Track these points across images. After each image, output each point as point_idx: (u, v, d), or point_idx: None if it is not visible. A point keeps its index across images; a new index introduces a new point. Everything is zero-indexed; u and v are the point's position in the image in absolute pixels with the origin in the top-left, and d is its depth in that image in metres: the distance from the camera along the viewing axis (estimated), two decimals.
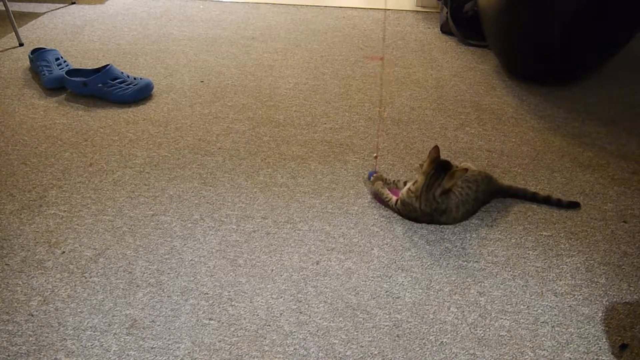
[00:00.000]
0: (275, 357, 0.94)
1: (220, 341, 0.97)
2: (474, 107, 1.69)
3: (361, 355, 0.94)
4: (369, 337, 0.97)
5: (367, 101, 1.73)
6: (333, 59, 2.02)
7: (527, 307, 1.03)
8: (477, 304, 1.04)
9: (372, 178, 1.34)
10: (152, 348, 0.95)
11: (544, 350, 0.95)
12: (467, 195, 1.22)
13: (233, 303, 1.04)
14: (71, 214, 1.26)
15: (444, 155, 1.44)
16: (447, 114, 1.66)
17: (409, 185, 1.23)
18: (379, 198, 1.30)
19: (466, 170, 1.18)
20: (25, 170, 1.41)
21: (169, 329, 0.99)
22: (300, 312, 1.02)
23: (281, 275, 1.10)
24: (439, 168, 1.17)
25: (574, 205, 1.27)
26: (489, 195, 1.28)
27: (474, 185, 1.24)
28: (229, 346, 0.96)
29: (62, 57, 1.87)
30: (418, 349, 0.95)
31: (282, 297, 1.05)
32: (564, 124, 1.61)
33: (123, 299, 1.05)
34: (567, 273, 1.10)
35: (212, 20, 2.37)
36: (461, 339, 0.97)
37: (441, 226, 1.22)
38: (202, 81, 1.85)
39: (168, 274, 1.10)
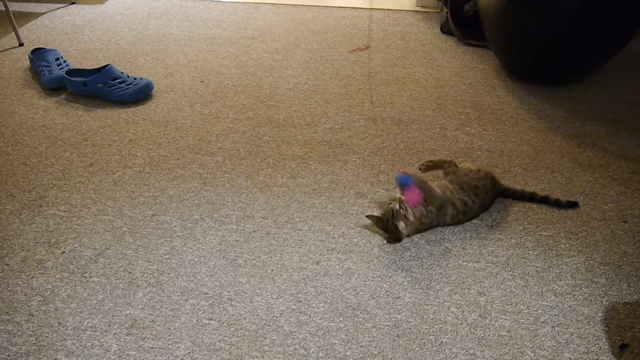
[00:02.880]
0: (275, 357, 0.94)
1: (220, 341, 0.97)
2: (474, 107, 1.69)
3: (361, 355, 0.94)
4: (369, 337, 0.97)
5: (367, 101, 1.73)
6: (333, 59, 2.02)
7: (527, 307, 1.03)
8: (477, 304, 1.04)
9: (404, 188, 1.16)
10: (152, 348, 0.95)
11: (544, 350, 0.95)
12: (473, 203, 1.20)
13: (233, 303, 1.04)
14: (71, 214, 1.26)
15: (443, 155, 1.45)
16: (447, 114, 1.66)
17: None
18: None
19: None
20: (25, 170, 1.41)
21: (169, 329, 0.99)
22: (300, 312, 1.02)
23: (281, 275, 1.10)
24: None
25: (572, 205, 1.27)
26: (493, 200, 1.28)
27: (482, 193, 1.22)
28: (229, 346, 0.96)
29: (62, 57, 1.87)
30: (418, 349, 0.95)
31: (282, 297, 1.05)
32: (564, 124, 1.61)
33: (123, 299, 1.05)
34: (567, 273, 1.10)
35: (212, 20, 2.37)
36: (461, 339, 0.97)
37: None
38: (202, 81, 1.85)
39: (168, 274, 1.10)
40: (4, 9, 2.07)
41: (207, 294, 1.06)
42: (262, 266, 1.12)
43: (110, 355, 0.94)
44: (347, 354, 0.94)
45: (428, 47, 2.12)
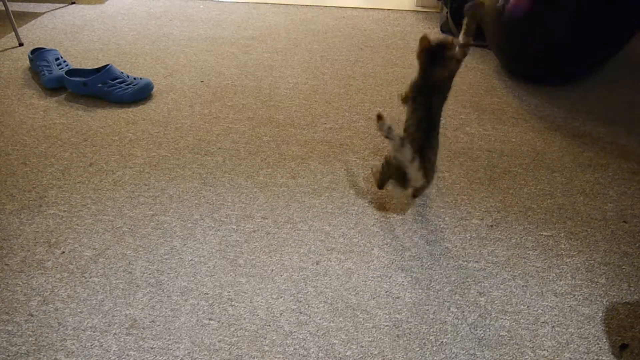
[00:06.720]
0: (275, 357, 0.94)
1: (220, 341, 0.97)
2: (474, 107, 1.69)
3: (361, 355, 0.94)
4: (369, 337, 0.97)
5: (367, 101, 1.73)
6: (333, 59, 2.02)
7: (527, 307, 1.03)
8: (477, 304, 1.04)
9: None
10: (152, 348, 0.95)
11: (544, 350, 0.95)
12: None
13: (233, 303, 1.04)
14: (71, 214, 1.26)
15: (442, 155, 1.45)
16: (447, 114, 1.66)
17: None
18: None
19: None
20: (25, 170, 1.41)
21: (169, 329, 0.99)
22: (300, 312, 1.02)
23: (281, 275, 1.10)
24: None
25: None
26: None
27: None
28: (229, 346, 0.96)
29: (62, 57, 1.87)
30: (418, 349, 0.95)
31: (282, 297, 1.05)
32: (564, 124, 1.61)
33: (123, 299, 1.05)
34: (567, 273, 1.10)
35: (212, 20, 2.37)
36: (461, 339, 0.97)
37: (441, 226, 1.22)
38: (202, 81, 1.85)
39: (168, 274, 1.10)
40: (4, 9, 2.07)
41: (207, 294, 1.06)
42: (262, 266, 1.12)
43: (110, 355, 0.94)
44: (347, 354, 0.94)
45: None
